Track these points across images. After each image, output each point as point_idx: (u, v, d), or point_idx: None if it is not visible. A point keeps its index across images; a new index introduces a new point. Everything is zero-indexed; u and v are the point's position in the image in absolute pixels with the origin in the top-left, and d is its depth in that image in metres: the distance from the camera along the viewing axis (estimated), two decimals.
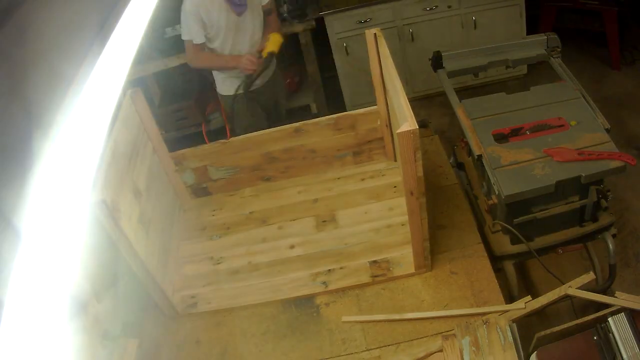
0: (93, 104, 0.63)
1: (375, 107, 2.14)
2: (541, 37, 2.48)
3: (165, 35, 3.40)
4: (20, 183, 0.51)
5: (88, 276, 1.61)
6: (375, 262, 1.91)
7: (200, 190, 2.34)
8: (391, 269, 1.87)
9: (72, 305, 1.50)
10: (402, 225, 1.98)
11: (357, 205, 2.14)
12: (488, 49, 2.51)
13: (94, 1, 0.71)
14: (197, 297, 1.95)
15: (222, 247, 2.12)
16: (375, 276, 1.87)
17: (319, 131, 2.19)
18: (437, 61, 2.54)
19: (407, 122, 1.45)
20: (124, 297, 1.84)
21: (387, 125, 2.12)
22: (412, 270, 1.84)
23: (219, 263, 2.06)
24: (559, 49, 2.43)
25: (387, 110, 2.05)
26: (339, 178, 2.28)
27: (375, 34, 1.91)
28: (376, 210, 2.10)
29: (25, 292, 0.50)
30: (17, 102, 0.54)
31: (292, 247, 2.05)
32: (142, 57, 3.32)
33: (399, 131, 1.44)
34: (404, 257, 1.89)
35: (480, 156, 2.02)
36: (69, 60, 0.61)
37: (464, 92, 2.85)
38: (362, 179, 2.25)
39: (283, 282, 1.93)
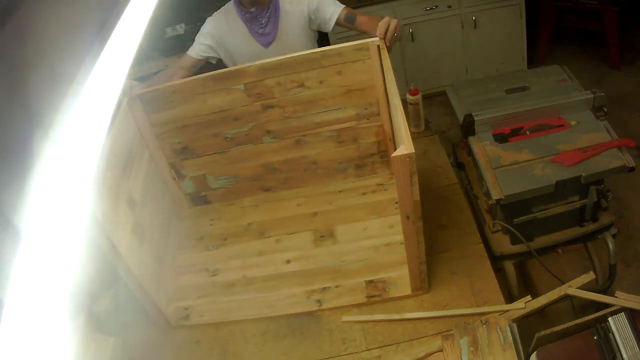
0: (93, 104, 0.63)
1: (377, 120, 2.10)
2: (587, 95, 2.19)
3: (165, 35, 3.40)
4: (20, 183, 0.51)
5: (88, 276, 1.61)
6: (371, 281, 1.86)
7: (199, 198, 2.31)
8: (387, 289, 1.83)
9: (72, 305, 1.50)
10: (402, 243, 1.91)
11: (357, 221, 2.09)
12: (526, 112, 2.19)
13: (94, 1, 0.71)
14: (190, 309, 1.92)
15: (218, 258, 2.09)
16: (371, 296, 1.83)
17: (320, 143, 2.15)
18: (469, 127, 2.21)
19: (403, 145, 1.40)
20: (124, 297, 1.84)
21: (390, 139, 2.08)
22: (409, 292, 1.80)
23: (214, 275, 2.03)
24: (605, 109, 2.16)
25: (391, 124, 2.01)
26: (340, 191, 2.24)
27: (378, 45, 1.86)
28: (376, 227, 2.05)
29: (25, 292, 0.50)
30: (17, 102, 0.54)
31: (288, 261, 2.01)
32: (142, 57, 3.32)
33: (394, 155, 1.39)
34: (401, 277, 1.84)
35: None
36: (69, 60, 0.61)
37: None
38: (364, 193, 2.20)
39: (277, 298, 1.89)
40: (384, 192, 2.19)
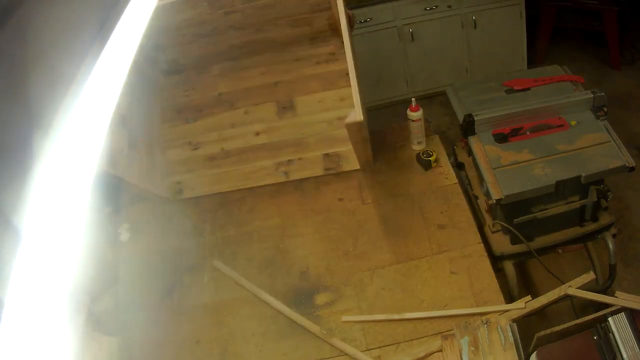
0: (93, 104, 0.63)
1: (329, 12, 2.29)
2: (587, 95, 2.15)
3: None
4: (20, 183, 0.51)
5: (88, 276, 1.61)
6: (327, 155, 2.17)
7: (173, 70, 2.49)
8: (341, 163, 2.13)
9: (72, 305, 1.50)
10: None
11: (313, 92, 2.35)
12: (526, 112, 2.17)
13: (94, 1, 0.71)
14: (181, 184, 2.21)
15: (197, 131, 2.36)
16: (328, 169, 2.12)
17: (277, 28, 2.36)
18: (469, 127, 2.19)
19: (353, 112, 1.53)
20: (124, 297, 1.84)
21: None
22: (357, 167, 2.08)
23: (196, 149, 2.32)
24: (605, 109, 2.14)
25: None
26: (296, 59, 2.44)
27: None
28: (329, 100, 2.31)
29: (25, 292, 0.50)
30: (17, 102, 0.54)
31: (257, 134, 2.30)
32: None
33: (347, 122, 1.55)
34: (351, 152, 2.09)
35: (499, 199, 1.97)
36: (69, 60, 0.61)
37: None
38: (317, 63, 2.42)
39: (251, 170, 2.21)
40: (335, 63, 2.40)
